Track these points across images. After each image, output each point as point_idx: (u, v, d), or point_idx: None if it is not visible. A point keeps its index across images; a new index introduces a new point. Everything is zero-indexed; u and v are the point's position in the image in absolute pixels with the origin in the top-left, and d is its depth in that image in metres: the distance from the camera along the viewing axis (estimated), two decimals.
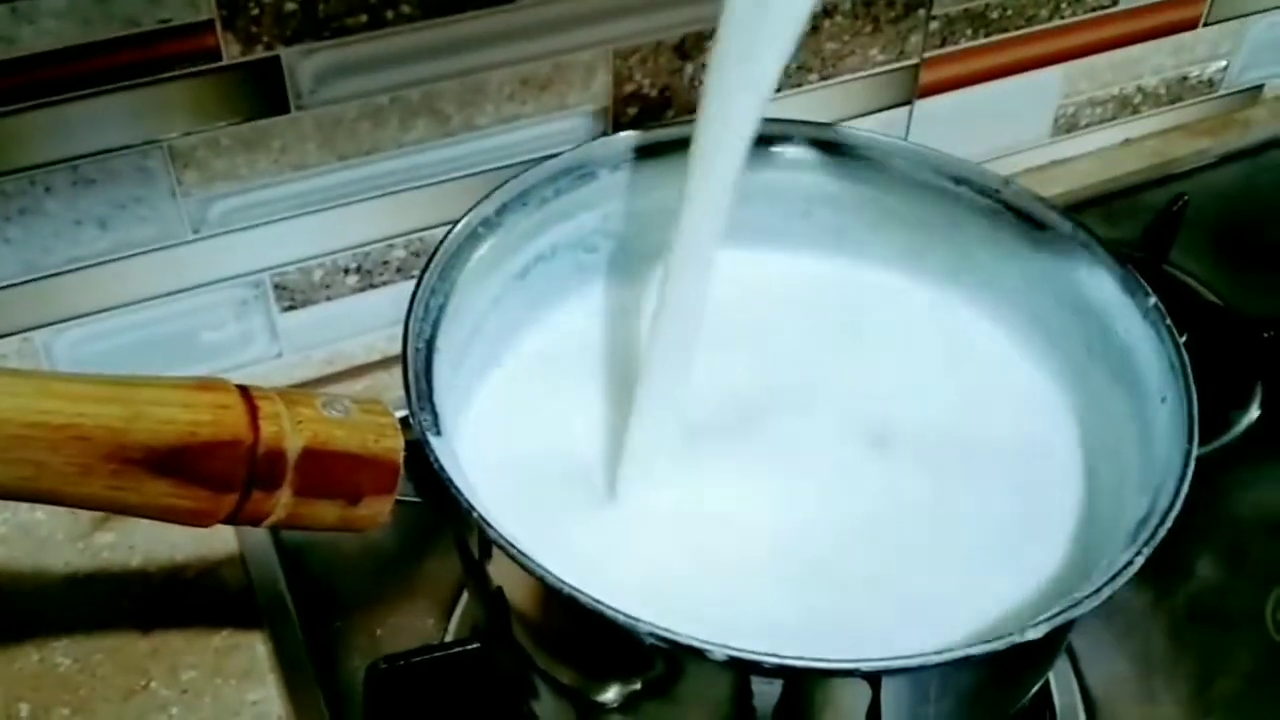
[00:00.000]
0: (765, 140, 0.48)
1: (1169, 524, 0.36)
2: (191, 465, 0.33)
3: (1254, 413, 0.57)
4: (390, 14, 0.48)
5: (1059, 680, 0.48)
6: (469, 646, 0.42)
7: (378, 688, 0.42)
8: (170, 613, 0.47)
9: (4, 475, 0.32)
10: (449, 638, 0.49)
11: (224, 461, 0.34)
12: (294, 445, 0.35)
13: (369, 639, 0.49)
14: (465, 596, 0.50)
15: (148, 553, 0.49)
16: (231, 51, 0.47)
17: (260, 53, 0.47)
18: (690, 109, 0.57)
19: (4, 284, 0.49)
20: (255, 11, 0.46)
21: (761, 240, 0.50)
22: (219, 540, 0.49)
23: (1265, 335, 0.58)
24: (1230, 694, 0.48)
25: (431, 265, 0.42)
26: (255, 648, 0.46)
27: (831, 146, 0.48)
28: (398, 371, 0.39)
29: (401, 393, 0.38)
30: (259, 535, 0.49)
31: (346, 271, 0.55)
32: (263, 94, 0.48)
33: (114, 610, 0.47)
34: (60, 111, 0.45)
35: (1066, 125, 0.69)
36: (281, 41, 0.47)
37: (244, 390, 0.35)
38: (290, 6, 0.47)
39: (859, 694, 0.34)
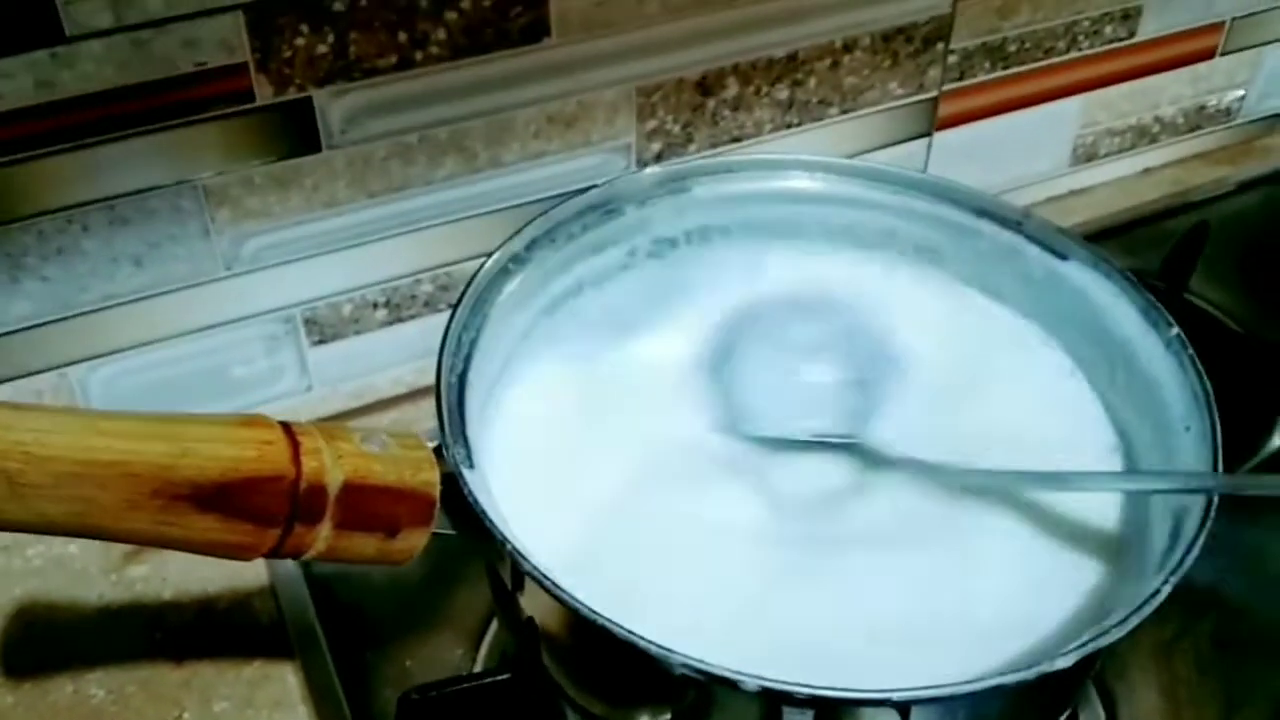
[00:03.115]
0: (787, 174, 0.49)
1: (1195, 552, 0.36)
2: (236, 500, 0.34)
3: (1278, 440, 0.57)
4: (419, 55, 0.49)
5: (1087, 711, 0.47)
6: (500, 677, 0.43)
7: (409, 718, 0.42)
8: (202, 644, 0.48)
9: (55, 511, 0.32)
10: (478, 668, 0.49)
11: (268, 496, 0.35)
12: (335, 480, 0.36)
13: (399, 669, 0.49)
14: (494, 627, 0.50)
15: (180, 585, 0.50)
16: (265, 93, 0.48)
17: (293, 94, 0.48)
18: (712, 143, 0.58)
19: (41, 321, 0.49)
20: (288, 54, 0.47)
21: (784, 274, 0.50)
22: (250, 572, 0.50)
23: None
24: None
25: (463, 301, 0.43)
26: (286, 678, 0.47)
27: (852, 180, 0.49)
28: (425, 404, 0.39)
29: (430, 424, 0.39)
30: (289, 567, 0.50)
31: (375, 306, 0.56)
32: (295, 134, 0.49)
33: (147, 642, 0.48)
34: (98, 153, 0.46)
35: (1085, 155, 0.70)
36: (313, 83, 0.48)
37: (286, 426, 0.36)
38: (322, 49, 0.48)
39: None
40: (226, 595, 0.49)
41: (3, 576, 0.50)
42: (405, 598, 0.51)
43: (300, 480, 0.35)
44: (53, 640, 0.48)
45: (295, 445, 0.35)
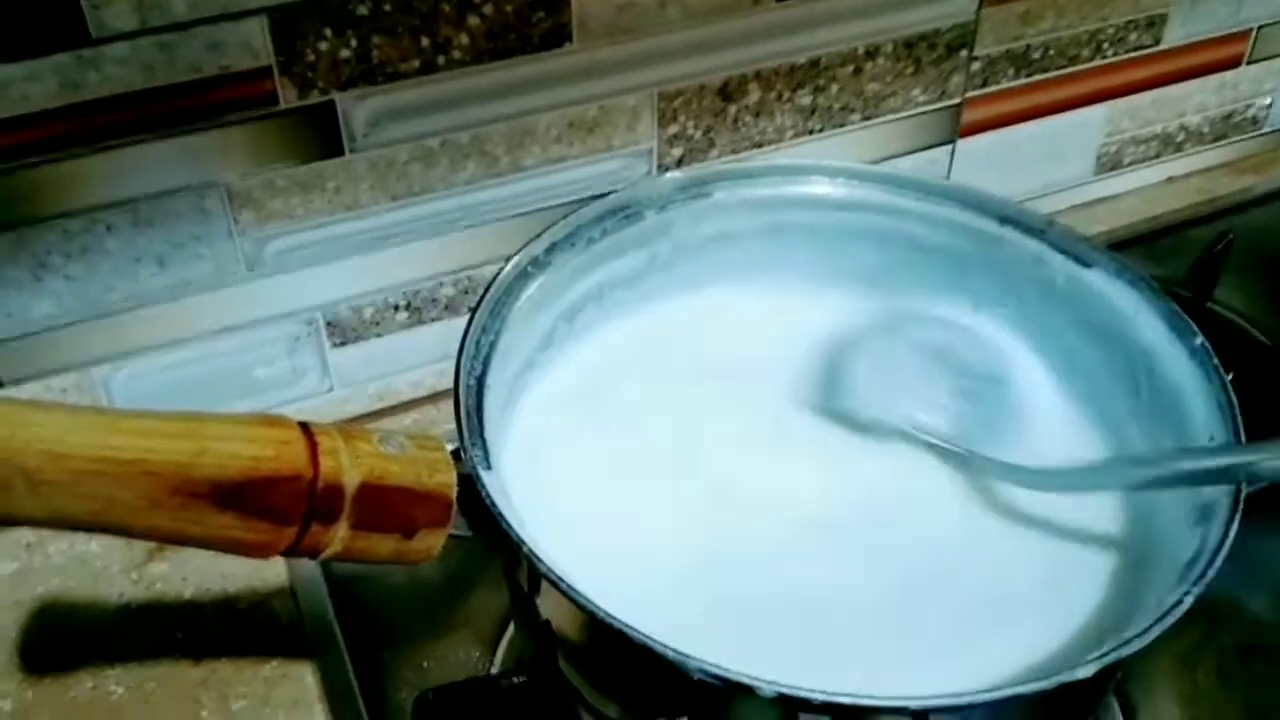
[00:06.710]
0: (809, 180, 0.49)
1: (1219, 562, 0.36)
2: (254, 499, 0.34)
3: None
4: (442, 59, 0.50)
5: None
6: (516, 679, 0.43)
7: (424, 719, 0.42)
8: (221, 643, 0.48)
9: (75, 508, 0.33)
10: (495, 670, 0.49)
11: (285, 495, 0.35)
12: (352, 480, 0.36)
13: (416, 670, 0.49)
14: (510, 629, 0.50)
15: (200, 584, 0.50)
16: (288, 97, 0.48)
17: (316, 98, 0.48)
18: (733, 149, 0.58)
19: (65, 321, 0.50)
20: (311, 58, 0.47)
21: (806, 278, 0.50)
22: (270, 572, 0.50)
23: None
24: None
25: (482, 304, 0.43)
26: (304, 678, 0.47)
27: (875, 186, 0.49)
28: (445, 406, 0.39)
29: (450, 426, 0.39)
30: (309, 567, 0.50)
31: (396, 309, 0.56)
32: (318, 137, 0.49)
33: (166, 640, 0.48)
34: (123, 154, 0.47)
35: (1110, 163, 0.69)
36: (336, 87, 0.48)
37: (305, 426, 0.36)
38: (345, 53, 0.48)
39: None
40: (246, 595, 0.50)
41: (25, 574, 0.50)
42: (423, 599, 0.52)
43: (318, 480, 0.35)
44: (73, 637, 0.48)
45: (313, 445, 0.35)
